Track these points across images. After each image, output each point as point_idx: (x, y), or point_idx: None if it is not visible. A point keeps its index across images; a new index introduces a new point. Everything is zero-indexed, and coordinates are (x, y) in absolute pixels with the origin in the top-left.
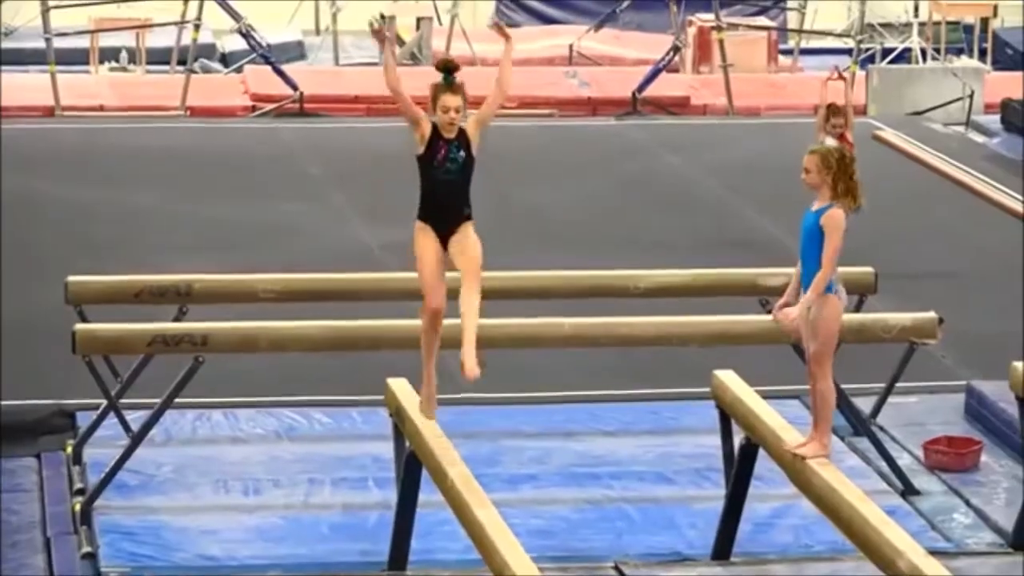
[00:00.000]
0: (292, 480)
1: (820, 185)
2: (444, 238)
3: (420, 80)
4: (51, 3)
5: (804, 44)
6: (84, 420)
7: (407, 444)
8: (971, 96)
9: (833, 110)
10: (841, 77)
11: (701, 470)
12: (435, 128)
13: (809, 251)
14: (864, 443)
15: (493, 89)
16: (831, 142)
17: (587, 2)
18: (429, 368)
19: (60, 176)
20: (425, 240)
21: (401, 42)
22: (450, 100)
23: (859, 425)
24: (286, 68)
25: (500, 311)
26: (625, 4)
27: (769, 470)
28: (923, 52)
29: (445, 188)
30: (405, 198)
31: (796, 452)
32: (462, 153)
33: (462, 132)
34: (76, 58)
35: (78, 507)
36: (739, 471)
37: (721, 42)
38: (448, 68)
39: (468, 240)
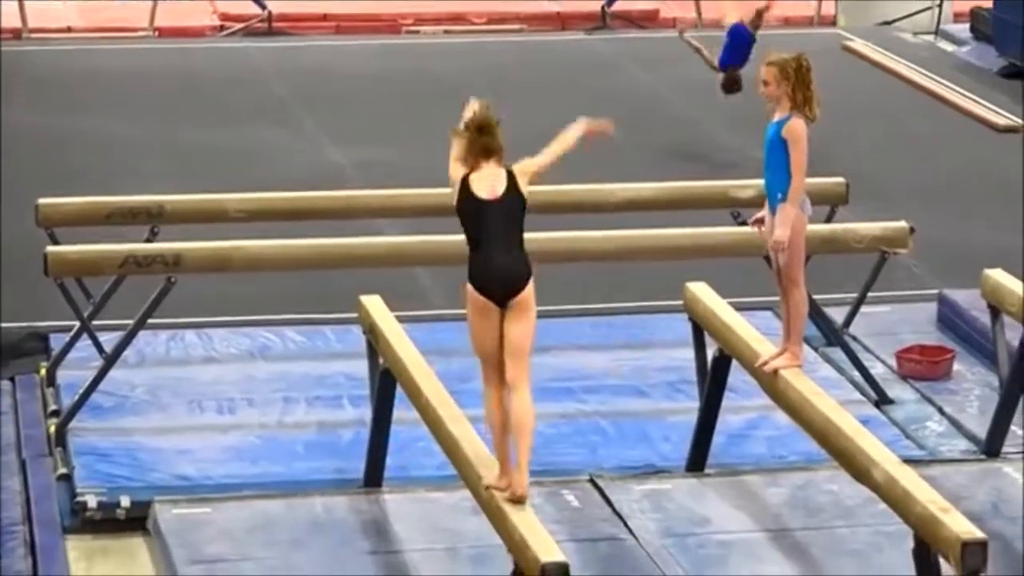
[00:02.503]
0: (266, 399)
1: (779, 96)
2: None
3: None
4: None
5: None
6: (57, 342)
7: (381, 361)
8: (940, 5)
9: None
10: None
11: (675, 383)
12: None
13: (772, 163)
14: (837, 353)
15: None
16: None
17: None
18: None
19: (28, 101)
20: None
21: None
22: None
23: (832, 335)
24: None
25: None
26: None
27: (743, 382)
28: None
29: None
30: (375, 116)
31: (769, 365)
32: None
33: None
34: None
35: (53, 429)
36: (712, 383)
37: None
38: None
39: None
